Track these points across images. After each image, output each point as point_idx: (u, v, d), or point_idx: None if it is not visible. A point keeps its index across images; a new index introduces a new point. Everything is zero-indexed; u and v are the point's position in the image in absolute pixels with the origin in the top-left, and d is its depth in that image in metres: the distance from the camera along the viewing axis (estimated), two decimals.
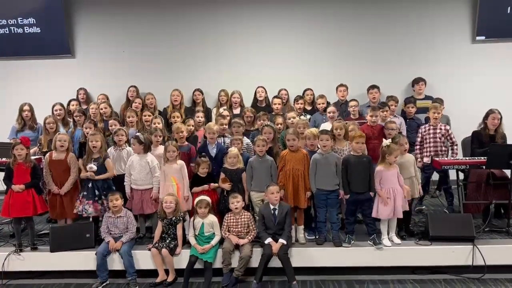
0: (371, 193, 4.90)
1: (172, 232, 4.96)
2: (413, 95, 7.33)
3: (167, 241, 4.92)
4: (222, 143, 5.69)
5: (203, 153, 5.37)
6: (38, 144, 6.12)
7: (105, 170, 5.23)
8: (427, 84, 7.36)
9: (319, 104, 6.71)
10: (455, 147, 5.83)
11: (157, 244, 4.90)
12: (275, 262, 4.68)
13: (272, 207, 4.80)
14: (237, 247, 4.86)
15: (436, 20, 7.66)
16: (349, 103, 6.46)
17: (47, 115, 6.23)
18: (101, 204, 5.17)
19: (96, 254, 4.86)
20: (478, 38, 7.59)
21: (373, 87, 7.06)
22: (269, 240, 4.72)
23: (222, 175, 5.20)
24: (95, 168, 5.15)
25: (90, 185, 5.18)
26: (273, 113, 6.61)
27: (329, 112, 6.11)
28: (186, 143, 5.61)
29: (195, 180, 5.24)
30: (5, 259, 4.94)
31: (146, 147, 5.28)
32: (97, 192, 5.18)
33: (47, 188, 5.33)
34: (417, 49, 7.71)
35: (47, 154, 5.36)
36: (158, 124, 5.96)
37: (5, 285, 4.91)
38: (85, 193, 5.19)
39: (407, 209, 5.00)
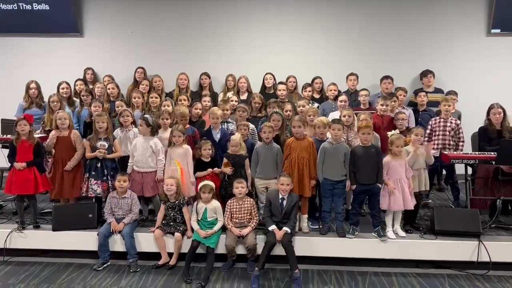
0: (379, 184, 4.82)
1: (176, 216, 4.91)
2: (422, 88, 7.20)
3: (177, 224, 4.88)
4: (226, 129, 5.64)
5: (204, 137, 5.33)
6: (42, 123, 6.05)
7: (112, 151, 5.23)
8: (440, 77, 7.24)
9: (330, 91, 6.59)
10: (461, 143, 5.72)
11: (164, 228, 4.87)
12: (277, 250, 4.64)
13: (280, 196, 4.74)
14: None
15: (451, 12, 7.55)
16: (359, 92, 6.37)
17: (52, 93, 6.17)
18: (108, 184, 5.17)
19: (98, 234, 4.84)
20: (493, 31, 7.47)
21: (387, 77, 6.96)
22: (273, 227, 4.66)
23: (225, 160, 5.15)
24: (107, 145, 5.15)
25: (99, 165, 5.16)
26: (278, 99, 6.51)
27: (341, 101, 5.99)
28: (188, 126, 5.52)
29: (198, 165, 5.19)
30: (7, 236, 4.95)
31: (154, 130, 5.24)
32: (105, 172, 5.17)
33: (49, 166, 5.29)
34: (430, 41, 7.60)
35: (53, 132, 5.31)
36: (168, 107, 5.87)
37: (6, 262, 4.92)
38: (93, 173, 5.16)
39: (414, 202, 4.92)
